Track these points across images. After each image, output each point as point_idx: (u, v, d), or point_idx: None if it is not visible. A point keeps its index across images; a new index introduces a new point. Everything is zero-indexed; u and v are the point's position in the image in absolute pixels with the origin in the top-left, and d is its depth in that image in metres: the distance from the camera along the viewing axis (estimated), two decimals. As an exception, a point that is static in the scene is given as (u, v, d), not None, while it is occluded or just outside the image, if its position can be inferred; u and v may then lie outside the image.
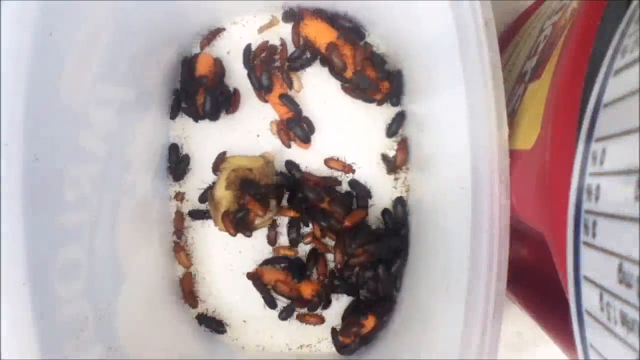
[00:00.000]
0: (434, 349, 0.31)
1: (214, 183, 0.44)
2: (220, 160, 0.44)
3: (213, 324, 0.45)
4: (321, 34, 0.42)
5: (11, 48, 0.28)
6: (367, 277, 0.42)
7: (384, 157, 0.43)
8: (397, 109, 0.43)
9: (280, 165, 0.45)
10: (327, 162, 0.44)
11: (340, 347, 0.42)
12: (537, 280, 0.30)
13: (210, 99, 0.43)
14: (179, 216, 0.46)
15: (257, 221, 0.43)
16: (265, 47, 0.44)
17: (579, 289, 0.19)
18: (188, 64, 0.44)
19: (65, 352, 0.31)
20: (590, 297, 0.18)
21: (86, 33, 0.32)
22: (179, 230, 0.46)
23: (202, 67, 0.43)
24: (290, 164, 0.44)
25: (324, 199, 0.42)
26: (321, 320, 0.44)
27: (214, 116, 0.44)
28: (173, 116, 0.45)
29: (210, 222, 0.45)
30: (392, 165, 0.43)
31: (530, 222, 0.26)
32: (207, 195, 0.44)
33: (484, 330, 0.27)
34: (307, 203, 0.43)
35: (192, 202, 0.46)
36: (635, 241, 0.15)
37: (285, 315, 0.44)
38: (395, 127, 0.42)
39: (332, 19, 0.43)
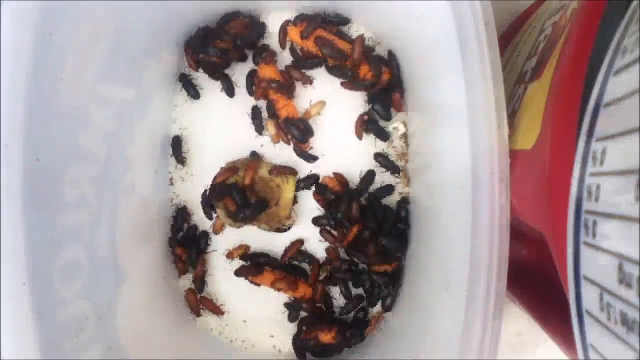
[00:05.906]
0: (434, 349, 0.31)
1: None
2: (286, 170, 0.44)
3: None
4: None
5: (11, 48, 0.28)
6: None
7: (380, 155, 0.43)
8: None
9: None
10: (322, 232, 0.44)
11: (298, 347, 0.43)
12: (537, 280, 0.30)
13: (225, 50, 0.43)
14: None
15: (227, 219, 0.43)
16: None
17: (579, 289, 0.19)
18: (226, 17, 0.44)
19: (65, 352, 0.31)
20: (590, 297, 0.18)
21: (86, 33, 0.32)
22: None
23: (236, 25, 0.43)
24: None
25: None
26: None
27: (222, 72, 0.44)
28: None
29: (210, 223, 0.46)
30: (389, 162, 0.43)
31: (530, 222, 0.26)
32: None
33: (484, 330, 0.27)
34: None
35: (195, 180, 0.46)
36: (635, 241, 0.15)
37: (293, 317, 0.44)
38: (396, 62, 0.42)
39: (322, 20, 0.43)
